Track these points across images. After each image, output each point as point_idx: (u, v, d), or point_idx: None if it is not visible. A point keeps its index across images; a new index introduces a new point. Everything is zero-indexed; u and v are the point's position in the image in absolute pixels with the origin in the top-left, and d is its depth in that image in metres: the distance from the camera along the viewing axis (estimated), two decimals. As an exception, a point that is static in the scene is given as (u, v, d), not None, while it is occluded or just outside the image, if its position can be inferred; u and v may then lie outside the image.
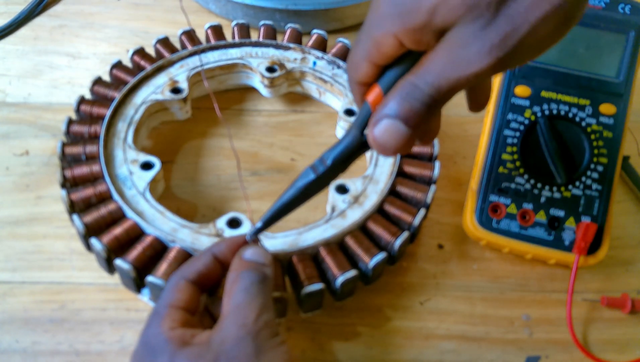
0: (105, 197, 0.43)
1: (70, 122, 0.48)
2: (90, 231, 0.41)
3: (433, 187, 0.45)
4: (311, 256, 0.41)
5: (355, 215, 0.43)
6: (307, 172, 0.33)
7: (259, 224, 0.35)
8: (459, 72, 0.28)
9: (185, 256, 0.40)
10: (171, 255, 0.40)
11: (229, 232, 0.42)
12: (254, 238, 0.36)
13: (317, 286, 0.39)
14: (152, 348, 0.31)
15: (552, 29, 0.27)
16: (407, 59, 0.30)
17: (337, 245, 0.42)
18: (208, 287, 0.35)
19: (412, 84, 0.29)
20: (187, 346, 0.30)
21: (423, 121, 0.29)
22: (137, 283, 0.40)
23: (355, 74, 0.32)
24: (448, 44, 0.28)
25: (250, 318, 0.30)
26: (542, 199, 0.46)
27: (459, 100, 0.35)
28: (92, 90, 0.51)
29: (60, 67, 0.60)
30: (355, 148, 0.33)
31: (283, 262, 0.41)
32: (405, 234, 0.42)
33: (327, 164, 0.33)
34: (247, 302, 0.31)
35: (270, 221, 0.35)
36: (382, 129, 0.30)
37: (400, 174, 0.46)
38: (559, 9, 0.26)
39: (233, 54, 0.55)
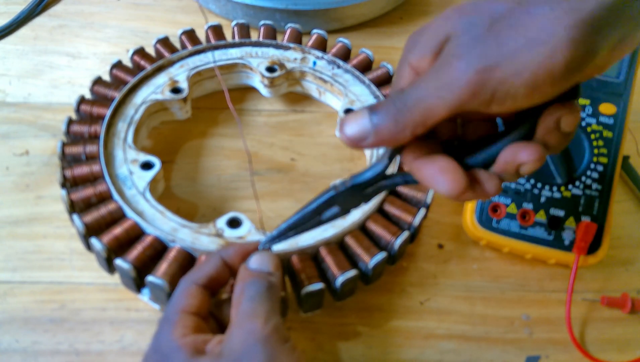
0: (105, 197, 0.43)
1: (70, 122, 0.48)
2: (90, 231, 0.41)
3: (433, 187, 0.45)
4: (311, 255, 0.41)
5: (355, 215, 0.43)
6: (328, 189, 0.33)
7: (274, 233, 0.35)
8: (437, 95, 0.27)
9: (186, 255, 0.40)
10: (171, 255, 0.40)
11: (229, 232, 0.42)
12: (267, 247, 0.36)
13: (317, 286, 0.39)
14: (165, 356, 0.30)
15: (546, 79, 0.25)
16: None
17: (337, 245, 0.42)
18: (217, 291, 0.35)
19: (399, 98, 0.28)
20: (200, 356, 0.29)
21: (396, 141, 0.28)
22: (137, 283, 0.40)
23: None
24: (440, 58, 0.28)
25: (258, 324, 0.30)
26: (542, 199, 0.46)
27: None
28: (92, 90, 0.51)
29: (60, 67, 0.60)
30: (381, 176, 0.32)
31: (283, 262, 0.41)
32: (405, 234, 0.42)
33: (348, 185, 0.32)
34: (253, 309, 0.31)
35: (285, 231, 0.35)
36: (352, 123, 0.29)
37: (400, 173, 0.46)
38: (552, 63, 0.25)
39: (233, 54, 0.55)
